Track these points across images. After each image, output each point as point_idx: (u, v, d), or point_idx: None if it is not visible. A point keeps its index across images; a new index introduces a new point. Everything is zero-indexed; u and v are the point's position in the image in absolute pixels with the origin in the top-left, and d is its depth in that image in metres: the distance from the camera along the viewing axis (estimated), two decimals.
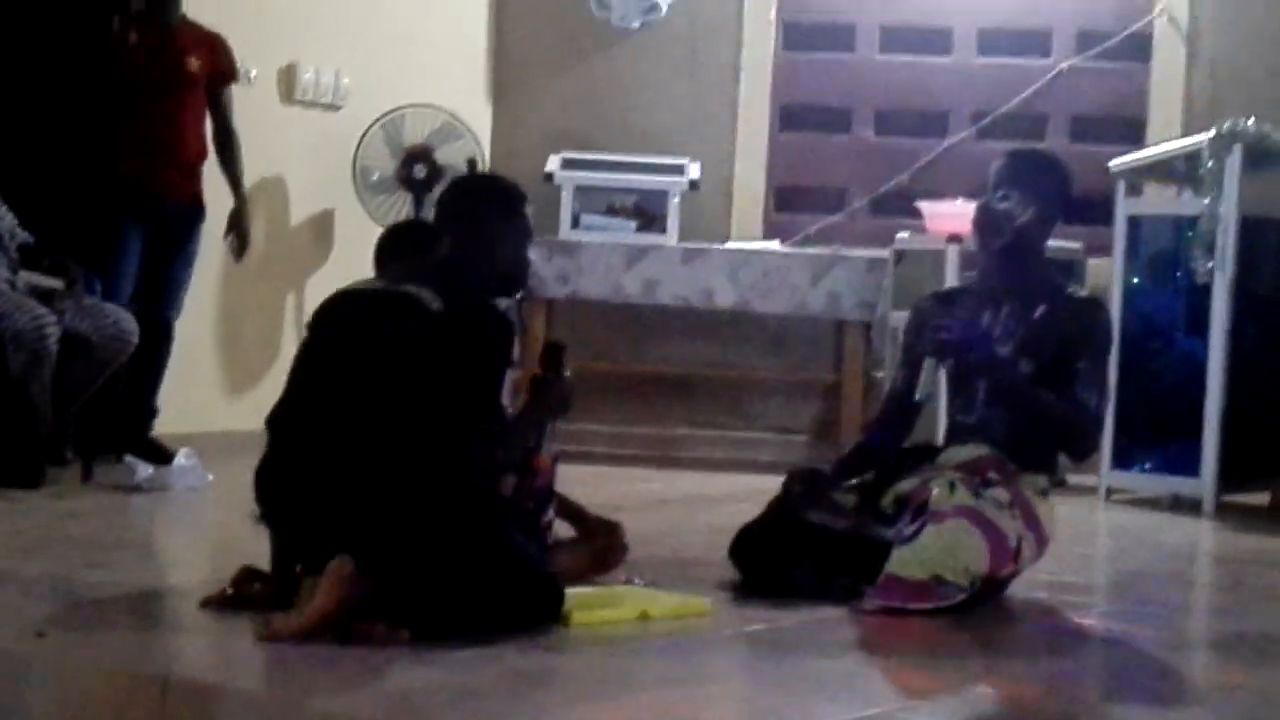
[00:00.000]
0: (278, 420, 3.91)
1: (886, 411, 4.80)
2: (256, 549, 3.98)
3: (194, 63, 6.76)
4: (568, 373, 4.23)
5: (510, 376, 3.96)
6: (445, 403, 3.79)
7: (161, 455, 6.30)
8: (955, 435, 4.58)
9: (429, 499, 3.72)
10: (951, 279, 7.01)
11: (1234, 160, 6.69)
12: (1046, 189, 4.61)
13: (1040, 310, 4.54)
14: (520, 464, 4.12)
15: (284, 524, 3.85)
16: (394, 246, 4.49)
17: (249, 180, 7.35)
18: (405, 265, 4.10)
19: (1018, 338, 4.52)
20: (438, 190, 7.75)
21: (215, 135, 6.88)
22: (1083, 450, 4.62)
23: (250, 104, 7.32)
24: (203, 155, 6.82)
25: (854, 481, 4.67)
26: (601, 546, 4.47)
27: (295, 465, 3.81)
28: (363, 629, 3.55)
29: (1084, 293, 4.78)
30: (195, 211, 6.77)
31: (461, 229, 4.01)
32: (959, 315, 4.56)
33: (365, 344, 3.83)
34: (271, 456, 3.90)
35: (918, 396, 4.56)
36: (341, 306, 3.99)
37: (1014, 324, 4.55)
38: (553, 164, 8.16)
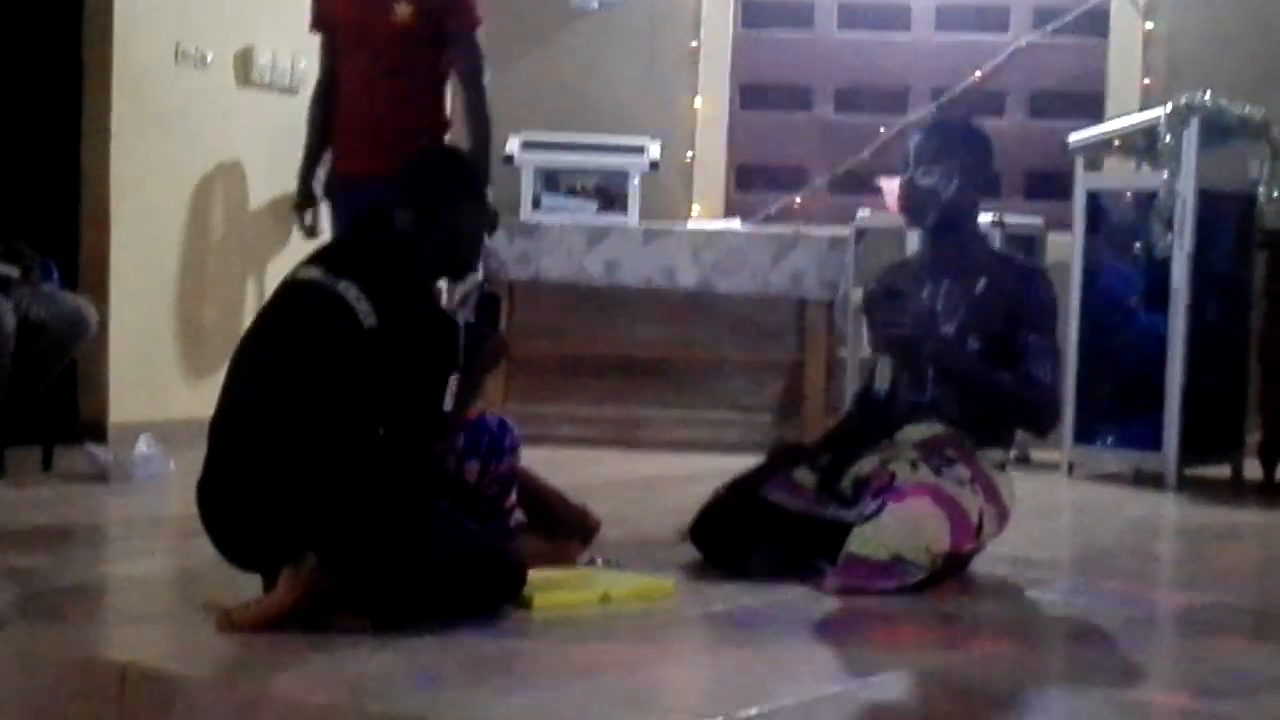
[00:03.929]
0: (220, 426, 3.87)
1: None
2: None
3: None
4: (502, 325, 4.19)
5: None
6: (384, 410, 3.76)
7: None
8: (908, 414, 4.54)
9: (379, 488, 3.70)
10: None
11: (1191, 134, 6.72)
12: (969, 160, 4.58)
13: (981, 285, 4.52)
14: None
15: (233, 536, 3.81)
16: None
17: (207, 164, 7.33)
18: (361, 245, 4.05)
19: (961, 315, 4.51)
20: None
21: None
22: (1043, 426, 4.62)
23: (207, 87, 7.28)
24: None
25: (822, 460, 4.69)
26: (569, 533, 4.45)
27: (241, 470, 3.76)
28: (324, 618, 3.54)
29: (1021, 258, 4.77)
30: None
31: (421, 206, 3.97)
32: (904, 301, 4.53)
33: (300, 351, 3.78)
34: (213, 468, 3.84)
35: (875, 388, 4.56)
36: (283, 303, 3.93)
37: (956, 300, 4.53)
38: (512, 145, 8.14)
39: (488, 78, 5.86)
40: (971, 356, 4.47)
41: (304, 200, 6.10)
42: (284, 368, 3.77)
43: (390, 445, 3.78)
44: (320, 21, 6.00)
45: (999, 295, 4.50)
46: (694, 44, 8.58)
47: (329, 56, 6.00)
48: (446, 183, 4.03)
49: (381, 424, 3.77)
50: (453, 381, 3.79)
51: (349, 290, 3.78)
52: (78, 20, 6.97)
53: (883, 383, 4.53)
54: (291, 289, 3.93)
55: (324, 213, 6.11)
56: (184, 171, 7.28)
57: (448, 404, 3.80)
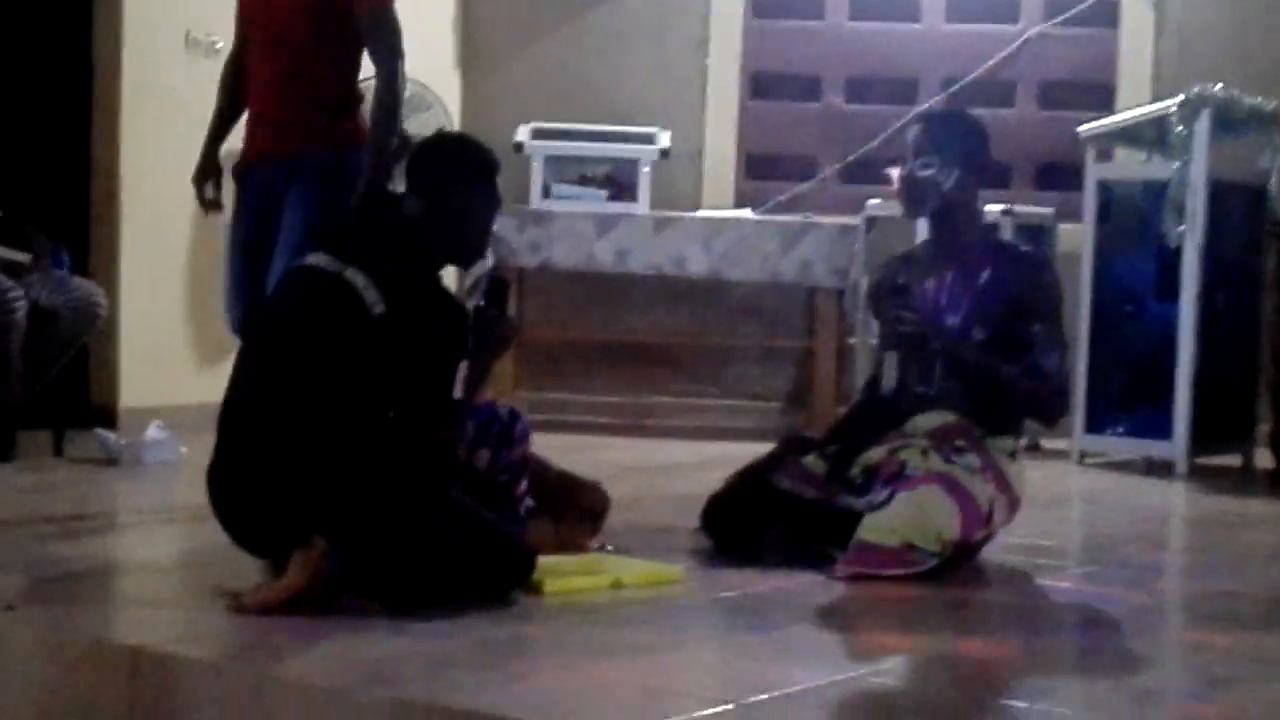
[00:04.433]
0: (230, 412, 3.87)
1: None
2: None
3: None
4: (510, 310, 4.19)
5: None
6: (393, 396, 3.76)
7: None
8: (915, 406, 4.52)
9: (389, 474, 3.70)
10: None
11: (1202, 125, 6.71)
12: (967, 150, 4.57)
13: (985, 275, 4.51)
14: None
15: (243, 521, 3.81)
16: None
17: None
18: (369, 231, 4.04)
19: (966, 306, 4.50)
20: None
21: None
22: (1051, 417, 4.62)
23: (216, 74, 7.27)
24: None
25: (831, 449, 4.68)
26: (579, 519, 4.44)
27: (251, 455, 3.76)
28: (334, 603, 3.54)
29: (1025, 247, 4.76)
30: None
31: (430, 192, 3.95)
32: (909, 296, 4.51)
33: (307, 338, 3.78)
34: (223, 453, 3.84)
35: (883, 387, 4.55)
36: (291, 290, 3.93)
37: (960, 291, 4.52)
38: (523, 134, 8.14)
39: (404, 63, 5.18)
40: (978, 349, 4.46)
41: (202, 173, 5.58)
42: (292, 355, 3.77)
43: (400, 431, 3.78)
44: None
45: (1003, 285, 4.49)
46: (704, 33, 8.58)
47: (242, 26, 5.55)
48: (455, 168, 4.01)
49: (391, 410, 3.77)
50: (462, 368, 3.79)
51: (356, 277, 3.78)
52: (88, 7, 6.98)
53: (890, 382, 4.52)
54: (299, 276, 3.93)
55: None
56: (194, 158, 7.22)
57: (457, 390, 3.80)
